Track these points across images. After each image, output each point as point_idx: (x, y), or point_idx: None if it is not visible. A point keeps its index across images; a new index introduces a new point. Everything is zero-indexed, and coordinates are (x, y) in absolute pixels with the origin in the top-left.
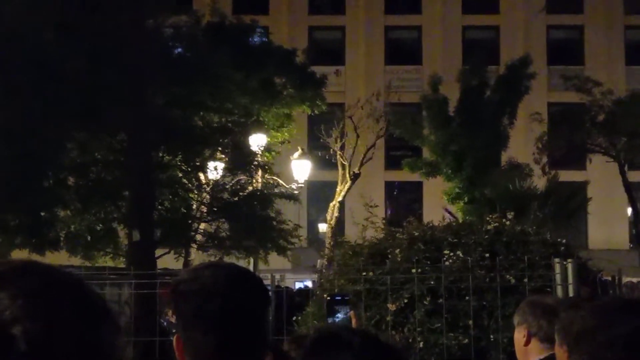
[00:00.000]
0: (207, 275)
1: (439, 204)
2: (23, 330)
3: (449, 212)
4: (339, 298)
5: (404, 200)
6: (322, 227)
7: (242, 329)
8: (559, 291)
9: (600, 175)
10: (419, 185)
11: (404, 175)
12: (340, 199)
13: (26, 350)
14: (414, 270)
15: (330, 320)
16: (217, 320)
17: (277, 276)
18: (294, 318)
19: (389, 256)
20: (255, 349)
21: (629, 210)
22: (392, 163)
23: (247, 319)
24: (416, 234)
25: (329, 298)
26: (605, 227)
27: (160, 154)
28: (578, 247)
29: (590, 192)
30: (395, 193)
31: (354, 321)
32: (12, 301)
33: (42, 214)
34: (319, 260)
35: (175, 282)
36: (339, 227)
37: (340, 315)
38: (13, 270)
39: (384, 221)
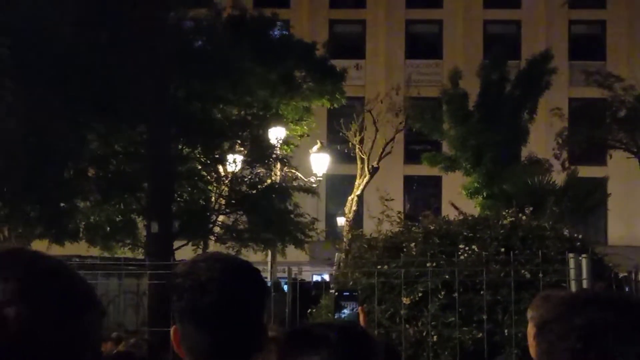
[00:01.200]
0: (202, 269)
1: (457, 198)
2: (16, 312)
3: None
4: (347, 294)
5: (422, 195)
6: (341, 221)
7: (237, 323)
8: (573, 286)
9: (620, 171)
10: (438, 180)
11: (423, 169)
12: (358, 192)
13: (16, 332)
14: (428, 264)
15: (337, 315)
16: (211, 316)
17: (295, 269)
18: (309, 311)
19: (404, 250)
20: (252, 343)
21: None
22: (411, 157)
23: (243, 313)
24: (432, 227)
25: (336, 294)
26: (625, 223)
27: (180, 147)
28: (596, 243)
29: (610, 188)
30: (414, 187)
31: (361, 317)
32: (4, 285)
33: (62, 205)
34: (336, 254)
35: (172, 275)
36: (357, 221)
37: (346, 311)
38: (2, 256)
39: (399, 214)
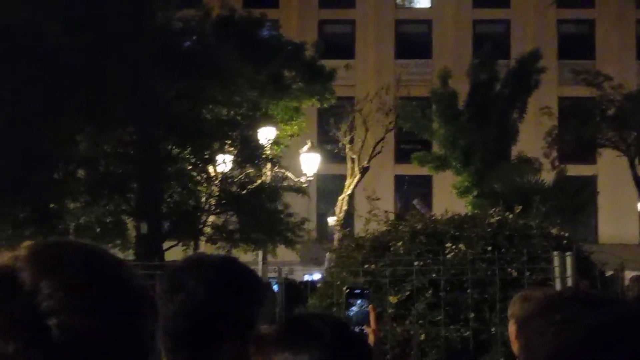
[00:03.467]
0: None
1: (448, 197)
2: (58, 323)
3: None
4: (358, 291)
5: (413, 194)
6: (331, 221)
7: (209, 312)
8: (558, 284)
9: (610, 170)
10: (428, 179)
11: (414, 169)
12: (349, 192)
13: (61, 342)
14: (415, 263)
15: (347, 313)
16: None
17: (285, 269)
18: (297, 310)
19: (391, 249)
20: (225, 331)
21: (639, 205)
22: (401, 157)
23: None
24: (419, 226)
25: (347, 291)
26: (615, 221)
27: (169, 147)
28: (585, 241)
29: (600, 186)
30: (405, 187)
31: (371, 315)
32: (53, 293)
33: (52, 206)
34: (327, 254)
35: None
36: (347, 221)
37: (354, 309)
38: (60, 256)
39: (386, 214)
